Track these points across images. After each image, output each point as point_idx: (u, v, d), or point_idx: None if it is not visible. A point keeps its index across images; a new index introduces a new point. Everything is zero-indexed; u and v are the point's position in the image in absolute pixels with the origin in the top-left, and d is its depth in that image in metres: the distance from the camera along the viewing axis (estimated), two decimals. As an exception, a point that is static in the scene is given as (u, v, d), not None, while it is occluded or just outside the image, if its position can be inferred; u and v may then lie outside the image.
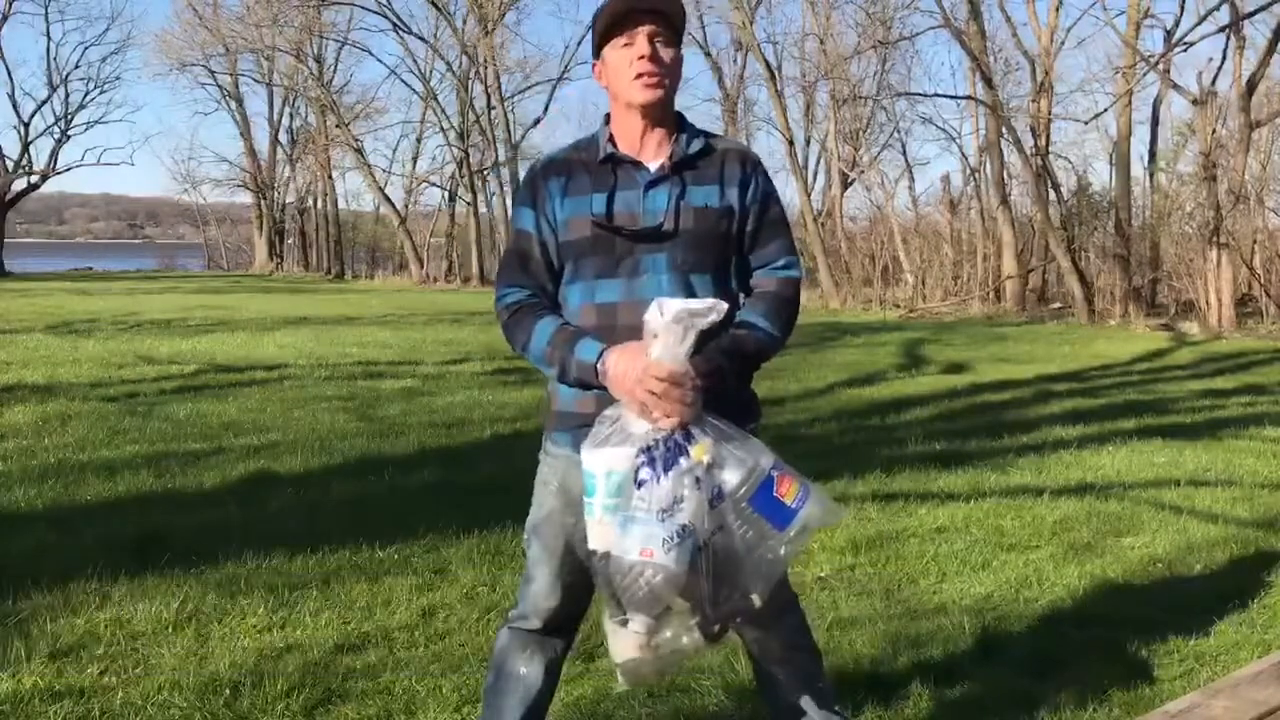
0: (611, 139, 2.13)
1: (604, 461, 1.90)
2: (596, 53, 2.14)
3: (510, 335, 2.13)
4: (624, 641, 1.92)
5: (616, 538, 1.88)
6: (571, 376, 2.02)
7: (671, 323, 1.90)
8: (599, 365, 1.96)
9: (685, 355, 1.90)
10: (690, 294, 2.06)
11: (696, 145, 2.12)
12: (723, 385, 1.98)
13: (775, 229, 2.16)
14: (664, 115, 2.12)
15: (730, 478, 1.91)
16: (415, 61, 33.23)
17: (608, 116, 2.16)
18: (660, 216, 2.06)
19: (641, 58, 2.05)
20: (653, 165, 2.10)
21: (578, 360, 2.00)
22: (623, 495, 1.88)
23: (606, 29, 2.09)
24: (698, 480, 1.89)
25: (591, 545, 1.93)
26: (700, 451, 1.90)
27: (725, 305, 1.94)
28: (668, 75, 2.08)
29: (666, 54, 2.08)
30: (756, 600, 1.93)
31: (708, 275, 2.09)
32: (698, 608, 1.90)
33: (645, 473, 1.87)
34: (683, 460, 1.88)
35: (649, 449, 1.89)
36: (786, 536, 1.93)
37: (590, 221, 2.07)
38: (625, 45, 2.07)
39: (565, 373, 2.03)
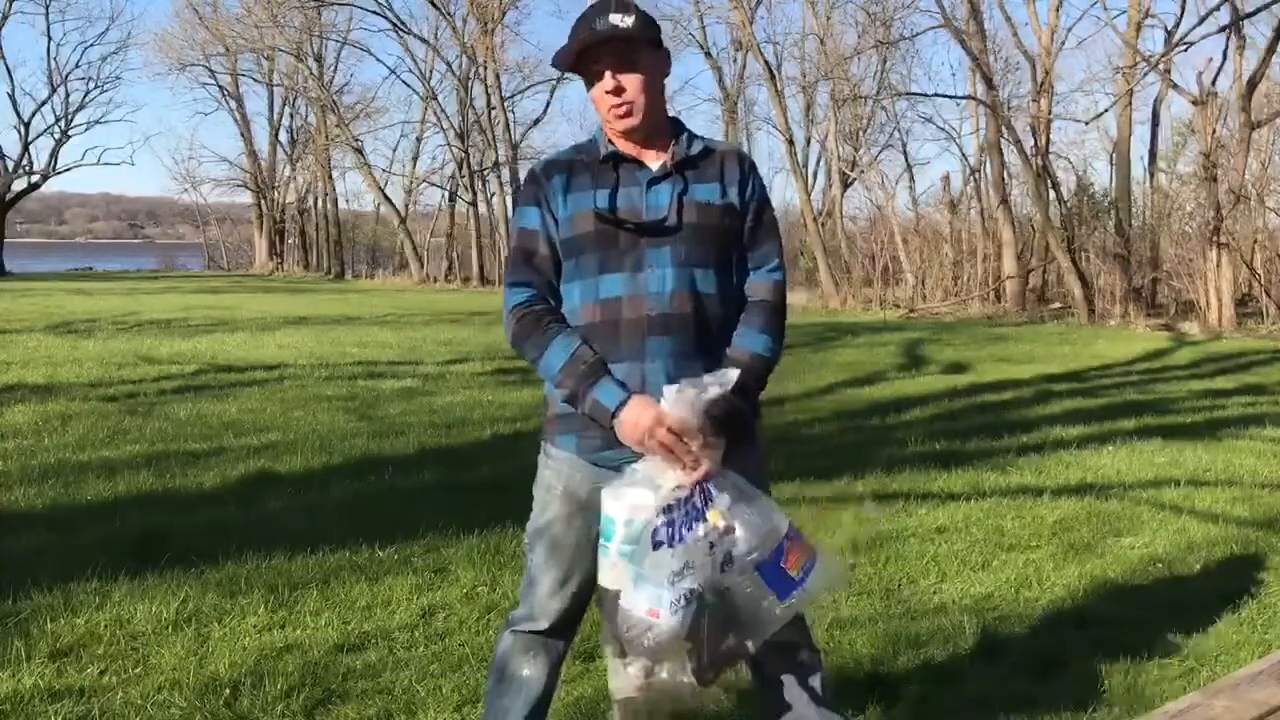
0: (612, 140, 2.15)
1: (625, 508, 1.95)
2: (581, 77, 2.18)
3: (519, 344, 2.13)
4: (623, 680, 2.02)
5: (628, 585, 1.94)
6: (584, 410, 2.04)
7: (679, 397, 1.95)
8: (616, 413, 2.00)
9: (698, 419, 1.95)
10: (694, 288, 2.08)
11: (697, 147, 2.16)
12: (743, 427, 2.03)
13: (770, 230, 2.21)
14: (654, 128, 2.14)
15: (743, 543, 1.98)
16: (415, 61, 33.22)
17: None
18: (664, 211, 2.09)
19: (607, 92, 2.09)
20: (654, 165, 2.13)
21: (595, 400, 2.02)
22: (639, 545, 1.93)
23: (575, 66, 2.13)
24: (711, 545, 1.95)
25: (603, 582, 1.98)
26: (717, 516, 1.96)
27: (733, 376, 1.98)
28: (640, 98, 2.10)
29: (632, 80, 2.09)
30: (751, 648, 2.01)
31: (710, 269, 2.11)
32: (695, 655, 1.96)
33: (662, 534, 1.93)
34: (699, 525, 1.95)
35: (669, 509, 1.94)
36: (788, 604, 2.01)
37: (593, 216, 2.08)
38: (594, 80, 2.11)
39: (577, 402, 2.05)
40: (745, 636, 2.00)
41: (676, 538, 1.94)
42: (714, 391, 1.95)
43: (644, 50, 2.11)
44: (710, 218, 2.11)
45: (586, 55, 2.10)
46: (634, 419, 1.97)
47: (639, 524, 1.94)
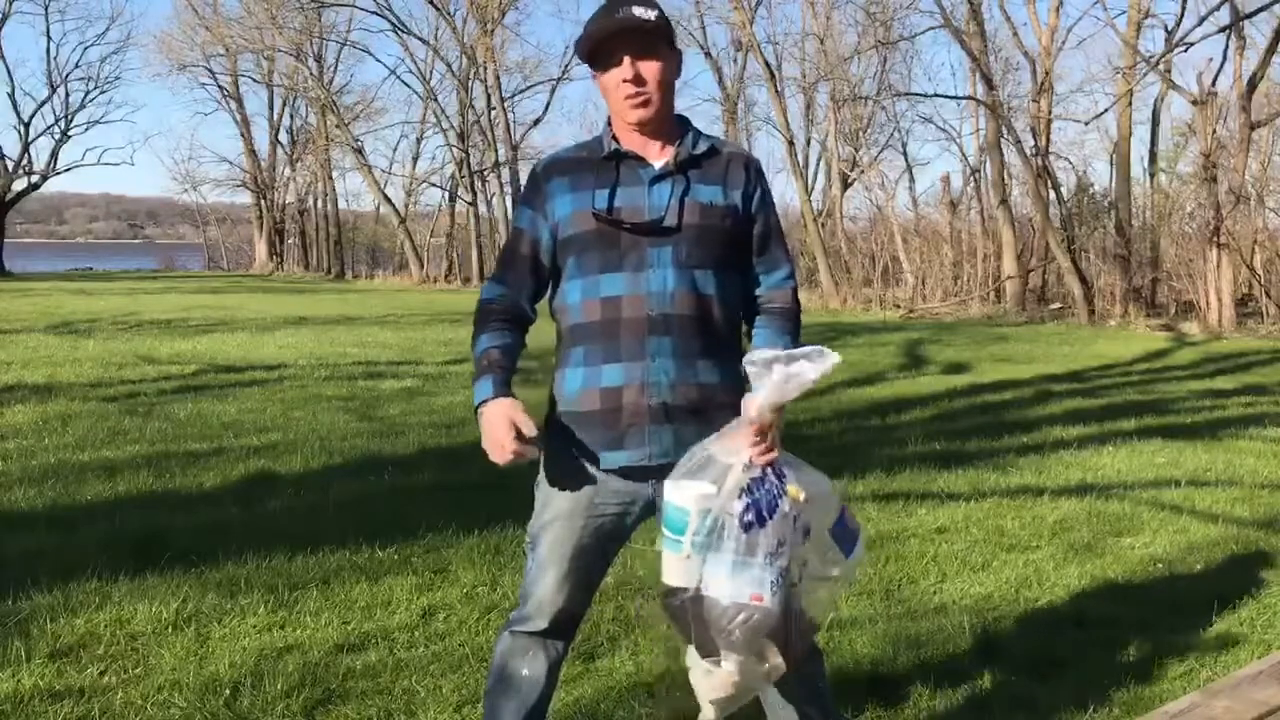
0: (615, 138, 2.15)
1: (696, 497, 1.90)
2: (590, 67, 2.16)
3: (473, 332, 2.20)
4: (717, 680, 1.94)
5: (715, 576, 1.89)
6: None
7: (773, 380, 1.91)
8: (477, 410, 2.05)
9: (788, 400, 1.91)
10: (695, 288, 2.08)
11: (702, 146, 2.15)
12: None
13: (778, 237, 2.22)
14: (662, 124, 2.13)
15: (817, 512, 1.96)
16: (415, 62, 33.18)
17: (610, 120, 2.18)
18: (663, 211, 2.08)
19: (626, 80, 2.08)
20: (657, 163, 2.12)
21: (474, 392, 2.08)
22: (715, 533, 1.89)
23: (590, 55, 2.12)
24: (794, 520, 1.93)
25: (673, 582, 1.93)
26: (795, 491, 1.93)
27: (834, 356, 1.93)
28: (655, 90, 2.09)
29: (651, 69, 2.08)
30: (821, 627, 1.98)
31: (710, 271, 2.10)
32: (779, 639, 1.92)
33: (751, 515, 1.89)
34: (783, 503, 1.92)
35: (749, 490, 1.91)
36: (854, 561, 2.00)
37: (592, 215, 2.08)
38: (611, 68, 2.09)
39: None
40: (817, 610, 1.98)
41: (766, 517, 1.89)
42: (815, 373, 1.90)
43: (662, 45, 2.10)
44: (712, 219, 2.10)
45: (606, 43, 2.08)
46: (485, 426, 2.01)
47: (714, 512, 1.89)
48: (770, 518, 1.89)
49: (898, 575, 4.04)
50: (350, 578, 3.89)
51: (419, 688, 2.98)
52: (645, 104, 2.09)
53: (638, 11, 2.06)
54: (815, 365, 1.88)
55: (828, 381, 9.42)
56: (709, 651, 1.92)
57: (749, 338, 2.23)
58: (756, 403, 1.90)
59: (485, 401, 2.04)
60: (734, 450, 1.92)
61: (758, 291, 2.20)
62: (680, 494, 1.91)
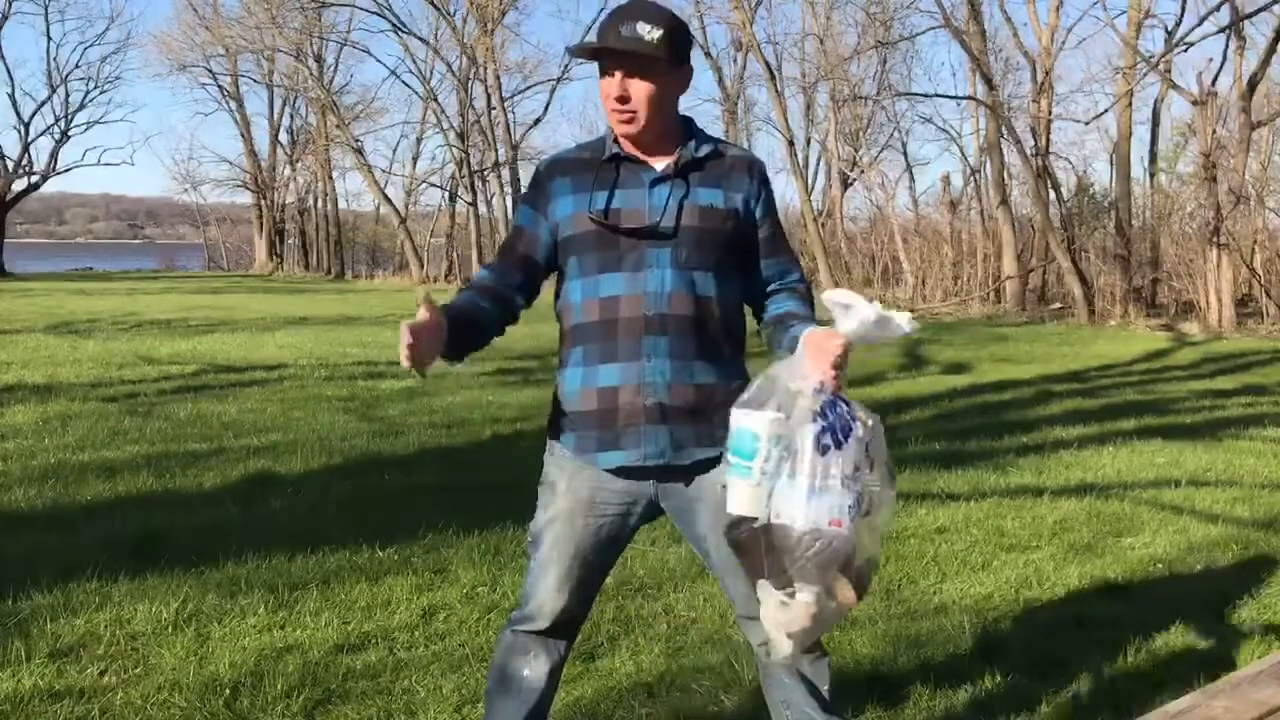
0: (618, 141, 2.14)
1: (769, 421, 1.84)
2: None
3: None
4: (794, 613, 1.87)
5: (783, 504, 1.83)
6: None
7: (852, 303, 1.89)
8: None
9: (865, 333, 1.88)
10: (692, 289, 2.08)
11: (705, 150, 2.14)
12: None
13: (785, 243, 2.23)
14: (657, 137, 2.12)
15: (880, 443, 1.92)
16: (415, 62, 33.12)
17: None
18: (661, 214, 2.08)
19: (610, 95, 2.08)
20: (659, 166, 2.12)
21: None
22: (786, 459, 1.84)
23: (591, 57, 2.12)
24: (866, 447, 1.89)
25: (742, 512, 1.86)
26: (865, 416, 1.90)
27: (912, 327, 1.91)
28: (643, 110, 2.07)
29: (641, 89, 2.06)
30: (879, 557, 1.94)
31: (710, 273, 2.10)
32: (849, 571, 1.87)
33: (828, 439, 1.84)
34: (857, 427, 1.87)
35: (824, 414, 1.86)
36: (895, 486, 1.96)
37: (589, 218, 2.09)
38: (604, 76, 2.10)
39: None
40: (873, 548, 1.93)
41: (842, 440, 1.85)
42: (904, 328, 1.88)
43: (661, 65, 2.07)
44: (712, 222, 2.10)
45: (600, 57, 2.09)
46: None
47: (786, 437, 1.84)
48: (846, 441, 1.85)
49: (898, 575, 4.04)
50: (350, 578, 3.89)
51: (419, 688, 2.98)
52: (630, 122, 2.08)
53: (641, 30, 2.03)
54: (907, 323, 1.87)
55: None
56: (784, 583, 1.85)
57: (762, 331, 2.22)
58: (843, 329, 1.87)
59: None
60: (801, 376, 1.88)
61: (771, 288, 2.20)
62: (751, 419, 1.85)
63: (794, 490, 1.83)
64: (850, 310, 1.88)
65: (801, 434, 1.84)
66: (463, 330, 2.05)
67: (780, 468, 1.84)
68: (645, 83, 2.07)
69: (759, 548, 1.86)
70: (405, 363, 1.90)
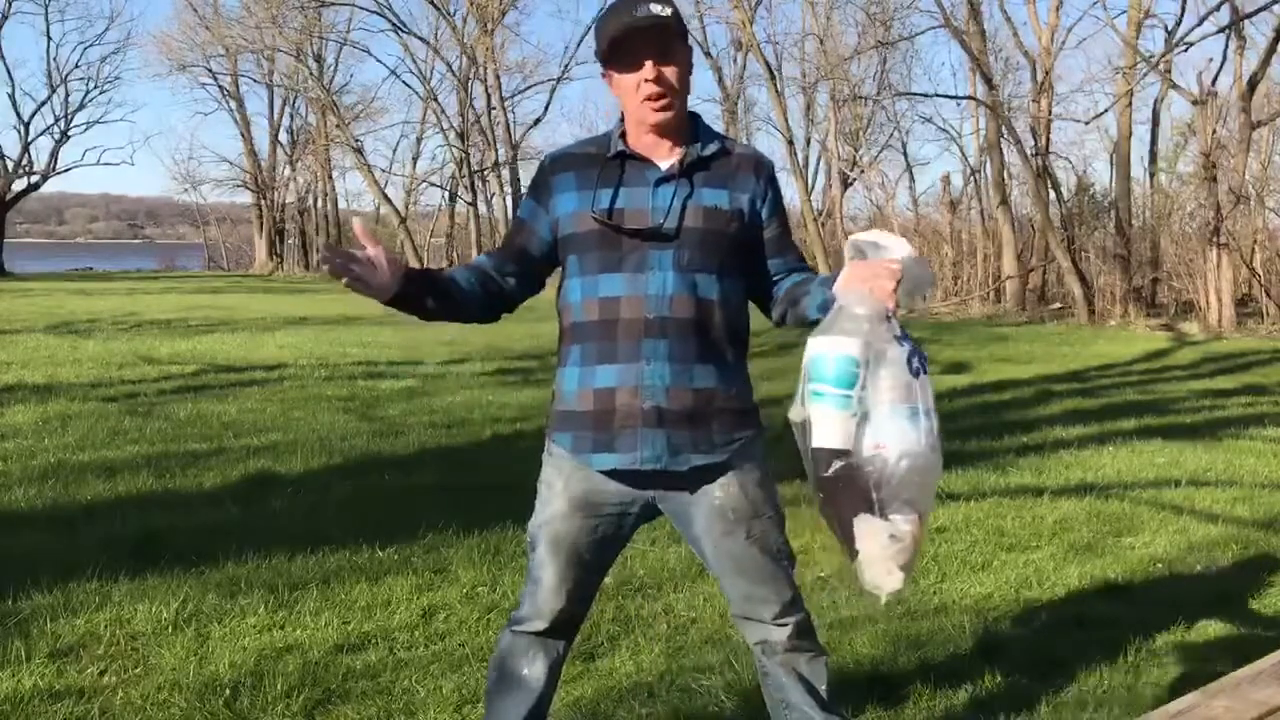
0: (624, 137, 2.13)
1: (858, 345, 1.75)
2: (604, 66, 2.13)
3: None
4: (904, 543, 1.77)
5: (880, 432, 1.74)
6: None
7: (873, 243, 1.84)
8: None
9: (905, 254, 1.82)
10: (695, 292, 2.07)
11: (711, 148, 2.12)
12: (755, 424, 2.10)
13: (791, 241, 2.22)
14: (677, 126, 2.11)
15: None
16: (415, 62, 33.11)
17: (623, 116, 2.15)
18: (665, 215, 2.07)
19: (647, 81, 2.05)
20: (664, 164, 2.10)
21: None
22: (879, 379, 1.75)
23: (608, 51, 2.08)
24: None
25: (838, 444, 1.76)
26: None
27: (906, 247, 1.84)
28: (675, 92, 2.07)
29: (672, 72, 2.06)
30: (932, 501, 1.86)
31: (713, 275, 2.09)
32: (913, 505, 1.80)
33: (916, 362, 1.78)
34: (925, 360, 1.81)
35: (903, 337, 1.79)
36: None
37: (592, 217, 2.08)
38: (631, 67, 2.06)
39: None
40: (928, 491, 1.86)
41: (924, 366, 1.79)
42: (927, 273, 1.86)
43: (679, 44, 2.09)
44: (716, 223, 2.08)
45: (626, 43, 2.05)
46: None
47: (873, 357, 1.76)
48: (924, 368, 1.79)
49: (898, 575, 4.04)
50: (350, 578, 3.89)
51: (419, 688, 2.98)
52: (668, 107, 2.07)
53: (654, 9, 2.03)
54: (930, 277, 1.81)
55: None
56: (882, 513, 1.76)
57: (776, 310, 2.18)
58: (896, 255, 1.80)
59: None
60: (863, 299, 1.78)
61: (778, 276, 2.18)
62: (844, 345, 1.75)
63: (894, 416, 1.75)
64: (884, 249, 1.81)
65: (891, 357, 1.75)
66: (424, 279, 2.09)
67: (877, 394, 1.75)
68: (674, 65, 2.06)
69: (857, 483, 1.76)
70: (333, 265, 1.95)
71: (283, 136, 41.01)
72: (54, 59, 41.44)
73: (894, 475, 1.75)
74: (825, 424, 1.76)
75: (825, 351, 1.77)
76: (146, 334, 13.33)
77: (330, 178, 39.32)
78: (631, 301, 2.06)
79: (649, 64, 2.04)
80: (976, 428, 7.24)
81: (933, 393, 1.82)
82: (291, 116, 40.66)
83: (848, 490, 1.77)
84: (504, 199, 29.37)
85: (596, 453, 2.08)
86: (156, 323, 15.05)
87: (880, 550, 1.78)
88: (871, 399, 1.75)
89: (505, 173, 29.46)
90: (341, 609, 3.60)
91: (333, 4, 30.55)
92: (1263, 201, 17.29)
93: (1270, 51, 15.93)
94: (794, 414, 1.80)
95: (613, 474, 2.09)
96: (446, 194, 35.56)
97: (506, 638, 2.23)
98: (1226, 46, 17.38)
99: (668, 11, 2.04)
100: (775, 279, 2.18)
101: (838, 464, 1.76)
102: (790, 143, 22.84)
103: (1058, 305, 19.29)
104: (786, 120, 22.86)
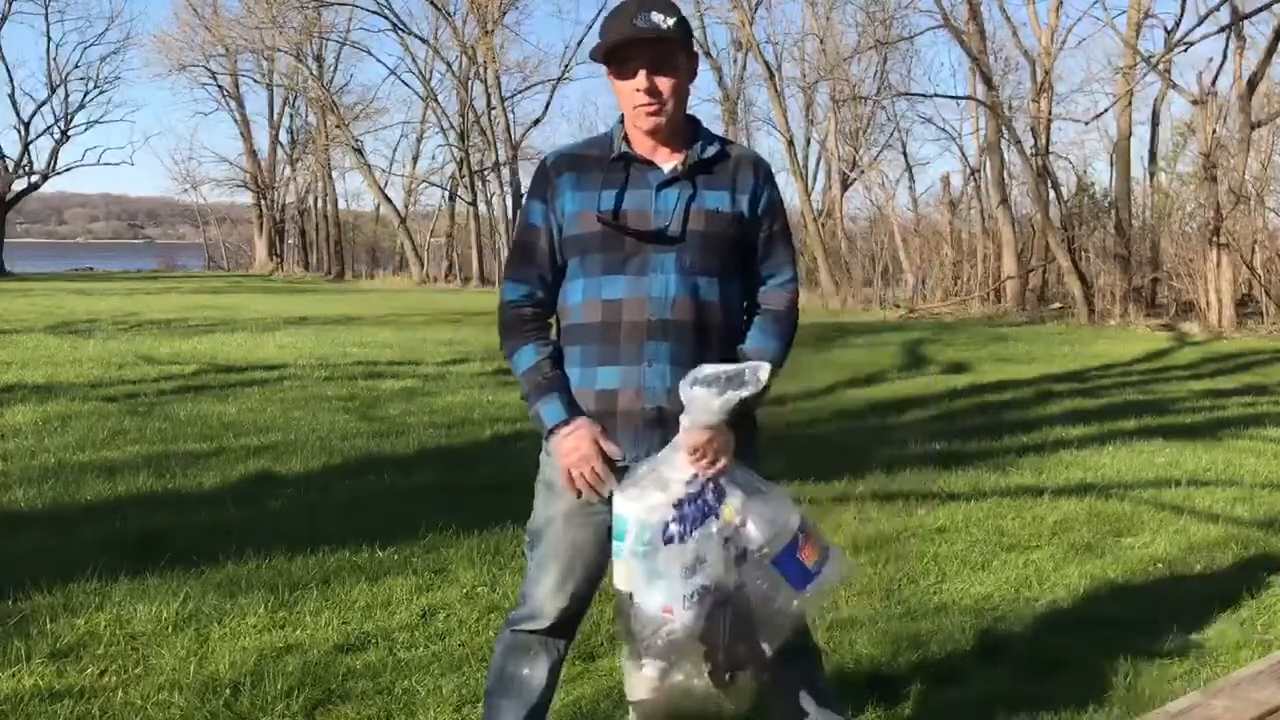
0: (626, 138, 2.13)
1: (640, 508, 1.97)
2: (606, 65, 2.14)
3: (502, 338, 2.20)
4: (638, 682, 2.03)
5: (641, 585, 1.96)
6: (530, 416, 2.13)
7: (698, 398, 1.95)
8: (552, 434, 2.07)
9: (714, 421, 1.96)
10: (696, 295, 2.08)
11: (711, 150, 2.14)
12: (749, 426, 2.09)
13: (783, 241, 2.21)
14: (673, 130, 2.12)
15: (756, 536, 1.99)
16: (415, 62, 33.10)
17: (623, 116, 2.16)
18: (668, 218, 2.07)
19: (639, 90, 2.06)
20: (666, 167, 2.11)
21: (538, 412, 2.10)
22: (651, 545, 1.95)
23: (606, 57, 2.09)
24: (726, 540, 1.97)
25: (617, 585, 2.02)
26: (731, 512, 1.98)
27: (765, 373, 1.98)
28: (667, 101, 2.08)
29: (666, 83, 2.07)
30: (768, 650, 2.02)
31: (715, 278, 2.10)
32: (711, 656, 1.98)
33: (674, 530, 1.95)
34: (712, 522, 1.97)
35: (680, 504, 1.96)
36: (804, 596, 2.03)
37: (596, 218, 2.07)
38: (627, 76, 2.08)
39: (529, 406, 2.13)
40: (763, 638, 2.01)
41: (688, 533, 1.94)
42: (745, 391, 1.95)
43: (680, 53, 2.09)
44: (718, 226, 2.09)
45: (623, 51, 2.07)
46: (570, 446, 2.04)
47: (654, 523, 1.94)
48: (691, 533, 1.95)
49: (898, 575, 4.04)
50: (350, 578, 3.89)
51: (419, 688, 2.98)
52: (658, 114, 2.08)
53: (657, 19, 2.04)
54: (737, 390, 1.94)
55: (828, 382, 9.42)
56: (634, 654, 2.02)
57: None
58: (684, 425, 1.97)
59: (565, 422, 2.06)
60: (677, 465, 1.99)
61: (760, 290, 2.19)
62: (624, 504, 1.99)
63: (644, 574, 1.96)
64: (692, 402, 1.96)
65: (661, 523, 1.96)
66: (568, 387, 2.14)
67: (647, 549, 1.96)
68: (669, 75, 2.07)
69: (627, 620, 2.01)
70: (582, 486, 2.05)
71: (283, 136, 41.07)
72: (54, 59, 41.42)
73: (643, 625, 1.98)
74: (615, 566, 2.03)
75: (614, 507, 2.01)
76: (146, 334, 13.33)
77: (330, 178, 39.32)
78: (634, 304, 2.06)
79: (643, 74, 2.06)
80: (976, 428, 7.24)
81: (715, 558, 1.97)
82: (291, 116, 40.72)
83: (624, 622, 2.03)
84: (504, 199, 29.37)
85: None
86: (156, 323, 15.04)
87: (626, 680, 2.11)
88: (646, 554, 1.97)
89: (505, 172, 29.47)
90: (341, 609, 3.60)
91: (333, 4, 30.58)
92: (1263, 201, 17.30)
93: (1270, 51, 15.93)
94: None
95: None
96: (446, 194, 35.58)
97: (506, 637, 2.23)
98: (1226, 46, 17.38)
99: (670, 22, 2.05)
100: (759, 282, 2.20)
101: (621, 602, 2.02)
102: (790, 143, 22.85)
103: (1058, 305, 19.29)
104: (786, 120, 22.88)
